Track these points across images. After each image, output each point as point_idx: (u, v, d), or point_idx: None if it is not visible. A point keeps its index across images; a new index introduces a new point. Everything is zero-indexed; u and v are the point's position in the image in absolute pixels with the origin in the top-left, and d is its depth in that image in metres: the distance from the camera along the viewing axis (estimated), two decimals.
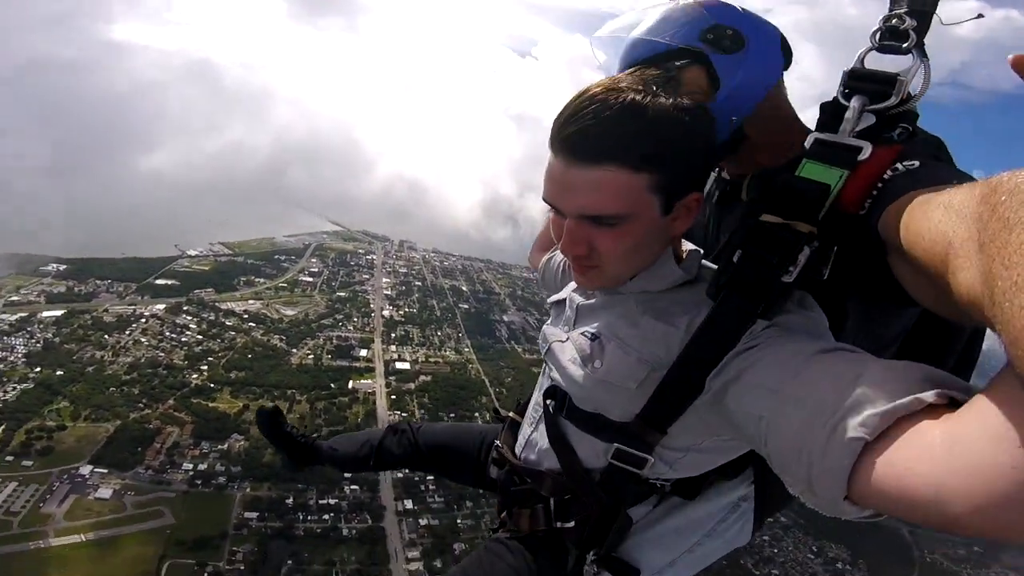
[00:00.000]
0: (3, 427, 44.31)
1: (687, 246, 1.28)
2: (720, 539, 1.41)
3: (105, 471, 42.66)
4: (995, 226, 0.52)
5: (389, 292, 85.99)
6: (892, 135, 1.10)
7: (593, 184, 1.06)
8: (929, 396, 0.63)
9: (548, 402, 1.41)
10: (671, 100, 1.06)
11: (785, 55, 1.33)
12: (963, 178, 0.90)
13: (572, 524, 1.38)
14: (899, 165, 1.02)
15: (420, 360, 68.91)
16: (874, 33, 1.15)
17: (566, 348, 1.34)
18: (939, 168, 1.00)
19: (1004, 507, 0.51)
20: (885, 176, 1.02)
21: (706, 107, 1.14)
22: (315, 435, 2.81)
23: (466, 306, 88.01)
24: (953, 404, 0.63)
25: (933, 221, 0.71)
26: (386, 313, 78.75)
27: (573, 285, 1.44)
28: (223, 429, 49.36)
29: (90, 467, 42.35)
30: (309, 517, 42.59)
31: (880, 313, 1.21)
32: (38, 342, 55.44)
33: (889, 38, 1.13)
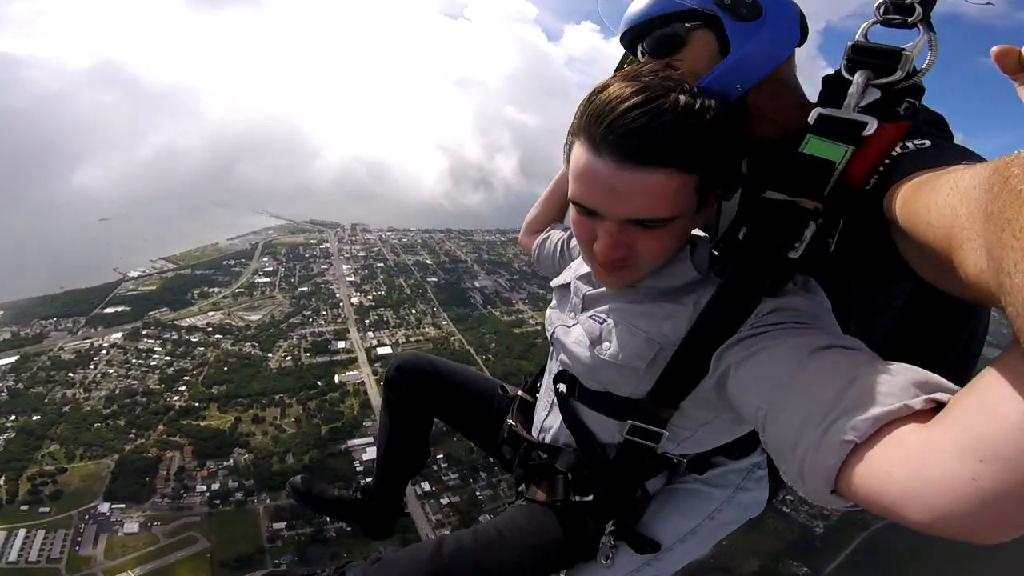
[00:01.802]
0: (3, 478, 43.81)
1: (695, 232, 1.31)
2: (739, 506, 1.51)
3: (123, 506, 42.81)
4: (1006, 197, 0.54)
5: (352, 278, 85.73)
6: (898, 111, 1.13)
7: (649, 188, 1.09)
8: (917, 403, 0.68)
9: (559, 386, 1.49)
10: (709, 101, 1.12)
11: (801, 31, 1.33)
12: (975, 159, 0.92)
13: (591, 498, 1.49)
14: (909, 143, 1.03)
15: (401, 342, 69.89)
16: (878, 6, 1.15)
17: (572, 332, 1.43)
18: (951, 148, 1.00)
19: (961, 516, 0.57)
20: (893, 153, 1.02)
21: (724, 101, 1.18)
22: (361, 482, 2.50)
23: (435, 279, 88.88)
24: (941, 408, 0.67)
25: (941, 195, 0.73)
26: (355, 300, 78.83)
27: (577, 272, 1.52)
28: (223, 445, 49.61)
29: (107, 504, 42.47)
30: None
31: (877, 292, 1.26)
32: (1, 391, 53.73)
33: (894, 11, 1.13)
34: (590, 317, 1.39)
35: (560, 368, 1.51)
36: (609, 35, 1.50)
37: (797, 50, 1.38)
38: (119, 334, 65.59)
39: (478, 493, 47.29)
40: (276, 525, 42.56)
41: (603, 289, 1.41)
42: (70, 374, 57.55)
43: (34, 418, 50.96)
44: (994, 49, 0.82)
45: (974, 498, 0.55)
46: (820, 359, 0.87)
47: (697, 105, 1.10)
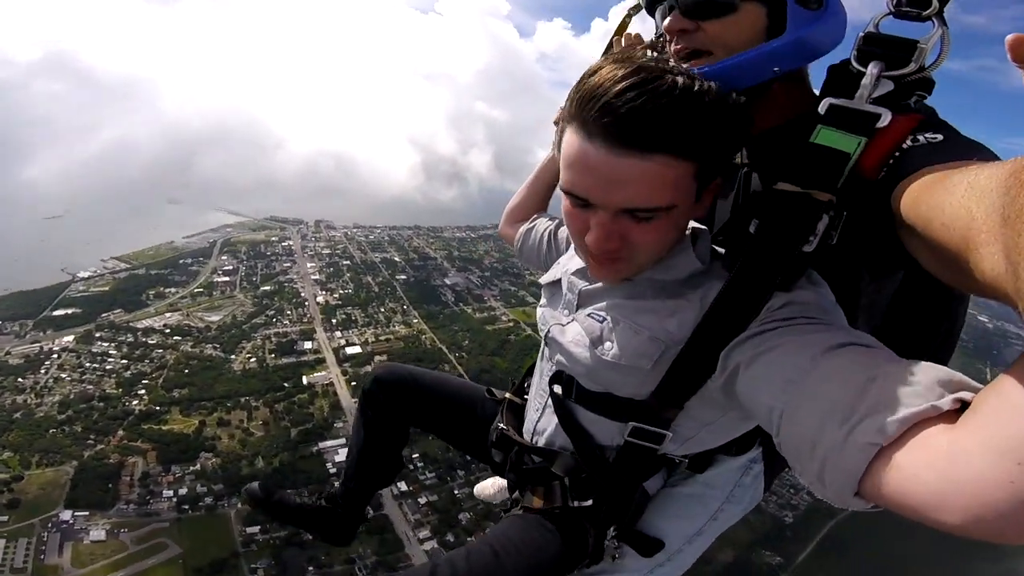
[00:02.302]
0: None
1: (693, 224, 1.29)
2: (739, 502, 1.52)
3: (87, 513, 41.35)
4: None
5: (317, 276, 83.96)
6: (908, 103, 1.12)
7: (645, 175, 1.05)
8: (945, 403, 0.67)
9: (555, 387, 1.44)
10: (709, 83, 1.08)
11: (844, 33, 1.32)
12: (987, 154, 0.93)
13: (590, 503, 1.45)
14: (920, 137, 1.03)
15: (370, 341, 69.11)
16: None
17: (568, 331, 1.38)
18: (963, 142, 1.01)
19: (998, 519, 0.56)
20: (904, 145, 1.03)
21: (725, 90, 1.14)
22: (328, 491, 2.42)
23: (404, 277, 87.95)
24: (965, 407, 0.66)
25: (956, 196, 0.72)
26: (320, 299, 77.29)
27: (569, 268, 1.47)
28: (188, 450, 48.27)
29: (70, 512, 41.00)
30: None
31: (882, 281, 1.27)
32: None
33: (908, 4, 1.11)
34: (588, 315, 1.34)
35: (556, 369, 1.46)
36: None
37: None
38: (70, 337, 62.55)
39: (456, 491, 47.20)
40: (250, 529, 41.70)
41: (600, 284, 1.36)
42: (19, 379, 54.68)
43: None
44: (1009, 38, 0.80)
45: (1012, 501, 0.55)
46: (836, 357, 0.85)
47: (696, 87, 1.06)
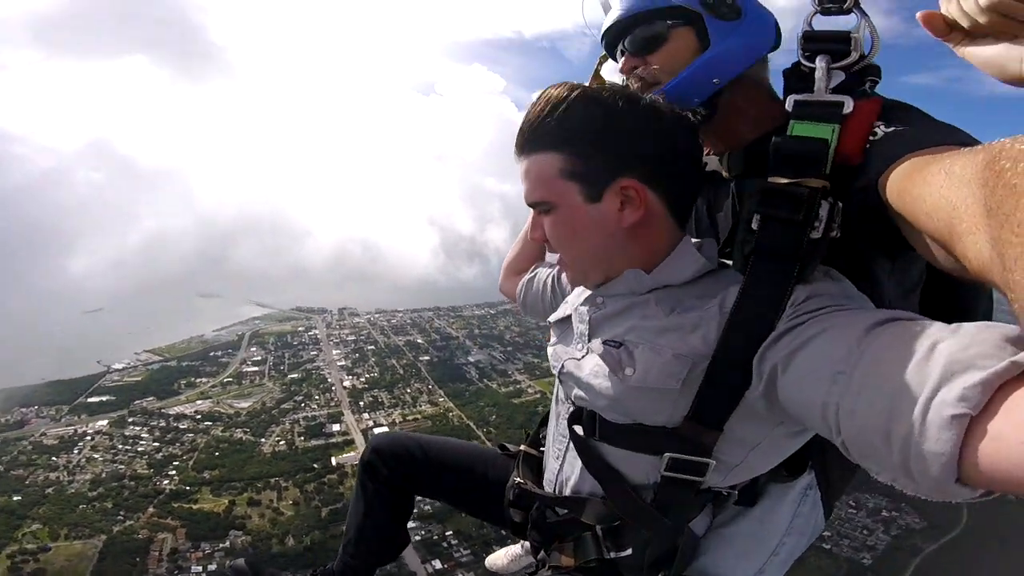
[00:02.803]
0: None
1: (694, 240, 1.29)
2: (801, 534, 1.40)
3: None
4: (1002, 192, 0.53)
5: (343, 362, 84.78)
6: (864, 89, 1.16)
7: (525, 172, 1.24)
8: None
9: (575, 428, 1.33)
10: (605, 88, 1.16)
11: (777, 37, 1.38)
12: (960, 135, 0.97)
13: (629, 552, 1.30)
14: (891, 125, 1.06)
15: (398, 421, 68.27)
16: None
17: (584, 363, 1.29)
18: (932, 128, 1.03)
19: None
20: (877, 133, 1.06)
21: (651, 95, 1.21)
22: (323, 566, 2.17)
23: (427, 357, 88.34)
24: None
25: (934, 186, 0.73)
26: (347, 384, 77.60)
27: (578, 300, 1.43)
28: (218, 527, 47.21)
29: None
30: None
31: (900, 266, 1.23)
32: None
33: (828, 0, 1.16)
34: (603, 343, 1.25)
35: (574, 407, 1.35)
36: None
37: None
38: (104, 421, 63.33)
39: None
40: None
41: (610, 308, 1.31)
42: (53, 458, 55.01)
43: (14, 498, 48.30)
44: (919, 15, 0.86)
45: None
46: (883, 334, 0.78)
47: (605, 95, 1.17)
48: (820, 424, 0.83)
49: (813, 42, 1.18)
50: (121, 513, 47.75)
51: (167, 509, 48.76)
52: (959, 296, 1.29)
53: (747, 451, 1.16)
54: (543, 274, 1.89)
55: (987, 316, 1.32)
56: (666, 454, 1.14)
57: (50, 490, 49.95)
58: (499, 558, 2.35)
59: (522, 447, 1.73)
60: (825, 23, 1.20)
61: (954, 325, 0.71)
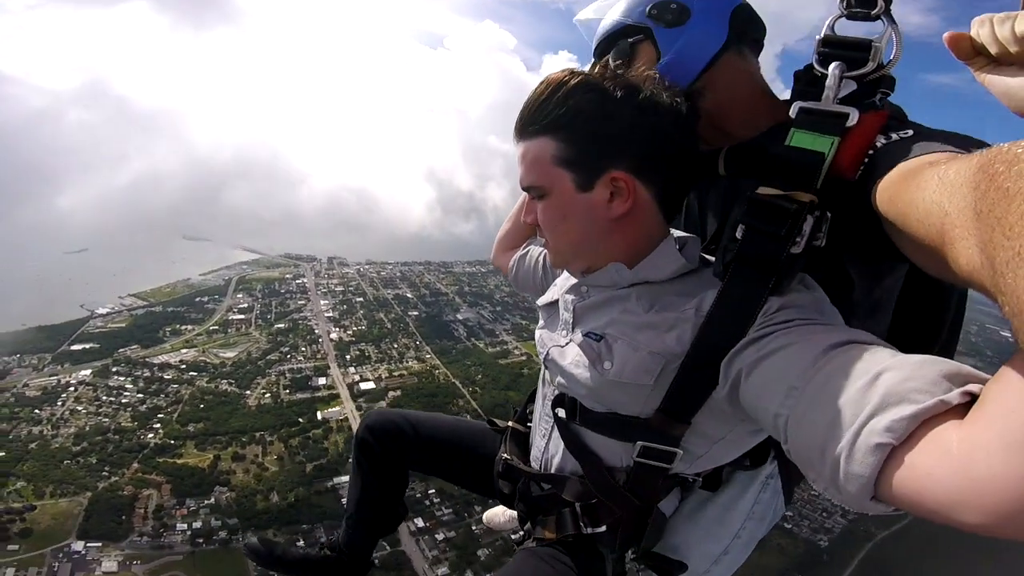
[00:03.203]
0: None
1: (679, 234, 1.32)
2: (761, 518, 1.50)
3: (99, 544, 40.64)
4: (994, 196, 0.54)
5: (331, 314, 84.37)
6: (874, 101, 1.15)
7: (521, 156, 1.29)
8: (953, 398, 0.65)
9: (558, 411, 1.42)
10: (603, 76, 1.19)
11: (737, 25, 1.39)
12: (959, 141, 0.98)
13: (604, 529, 1.41)
14: (893, 134, 1.08)
15: (384, 376, 68.77)
16: (842, 0, 1.18)
17: (567, 352, 1.36)
18: (934, 134, 1.03)
19: (1016, 516, 0.53)
20: (877, 144, 1.07)
21: (650, 86, 1.22)
22: (330, 538, 2.35)
23: (416, 312, 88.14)
24: (974, 400, 0.64)
25: (927, 191, 0.74)
26: (334, 336, 77.51)
27: (565, 287, 1.49)
28: (203, 484, 47.68)
29: (82, 543, 40.31)
30: None
31: (874, 273, 1.27)
32: None
33: (857, 5, 1.16)
34: (584, 335, 1.32)
35: (558, 392, 1.43)
36: (586, 63, 1.58)
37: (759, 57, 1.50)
38: (88, 371, 62.81)
39: (474, 528, 46.01)
40: None
41: (592, 299, 1.37)
42: (36, 411, 54.75)
43: None
44: (946, 36, 0.85)
45: None
46: (837, 357, 0.82)
47: (605, 84, 1.19)
48: (772, 430, 0.91)
49: (831, 46, 1.18)
50: (106, 469, 47.93)
51: (152, 464, 49.08)
52: (930, 307, 1.34)
53: (712, 444, 1.26)
54: (535, 252, 1.93)
55: (956, 327, 1.37)
56: (638, 442, 1.24)
57: (33, 445, 49.89)
58: (496, 515, 2.49)
59: (510, 423, 1.82)
60: (849, 28, 1.21)
61: (903, 357, 0.76)
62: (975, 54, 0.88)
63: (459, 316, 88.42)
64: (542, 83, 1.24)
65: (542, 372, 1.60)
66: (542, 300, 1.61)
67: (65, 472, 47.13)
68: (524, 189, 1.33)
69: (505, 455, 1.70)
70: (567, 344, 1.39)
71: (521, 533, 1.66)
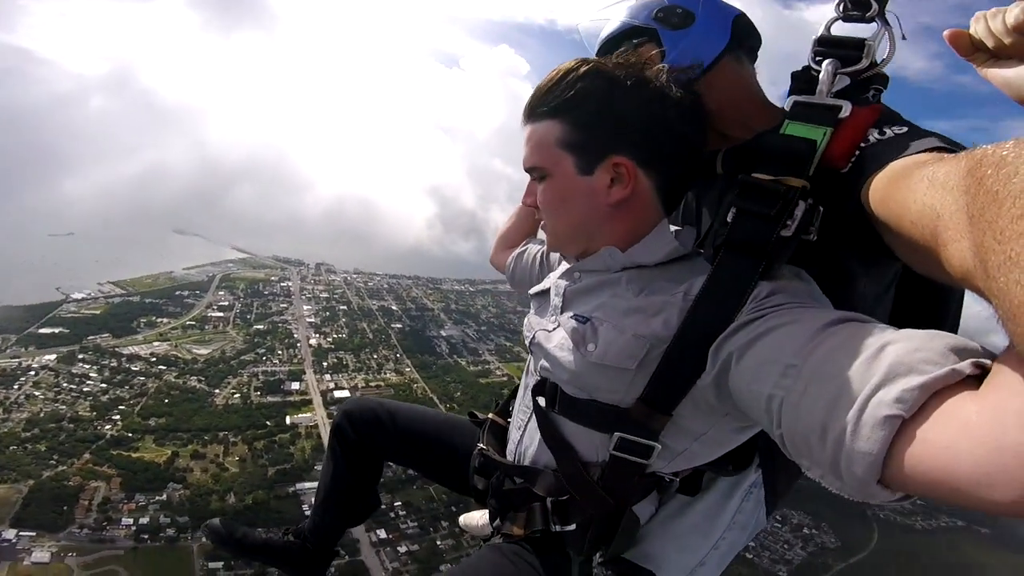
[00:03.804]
0: None
1: (675, 227, 1.33)
2: (742, 529, 1.47)
3: (32, 533, 39.10)
4: (984, 199, 0.54)
5: (313, 319, 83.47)
6: (867, 96, 1.19)
7: (527, 138, 1.30)
8: (965, 367, 0.61)
9: (538, 399, 1.40)
10: (614, 64, 1.22)
11: (737, 32, 1.45)
12: (947, 143, 0.99)
13: (573, 527, 1.36)
14: (887, 129, 1.10)
15: (360, 386, 67.75)
16: (838, 3, 1.24)
17: (553, 336, 1.35)
18: (924, 134, 1.04)
19: None
20: (870, 138, 1.10)
21: (661, 78, 1.23)
22: (296, 526, 2.26)
23: (399, 325, 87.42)
24: (985, 375, 0.61)
25: (918, 194, 0.74)
26: (313, 342, 76.49)
27: (557, 273, 1.50)
28: (156, 479, 46.35)
29: (14, 531, 38.69)
30: None
31: (869, 268, 1.28)
32: None
33: (852, 7, 1.21)
34: (571, 317, 1.30)
35: (540, 378, 1.40)
36: None
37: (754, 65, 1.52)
38: (52, 356, 61.42)
39: (439, 542, 45.48)
40: (212, 564, 39.71)
41: (583, 284, 1.37)
42: None
43: None
44: (946, 32, 0.87)
45: None
46: (837, 332, 0.79)
47: (616, 72, 1.21)
48: (763, 416, 0.86)
49: (826, 45, 1.23)
50: (54, 457, 46.47)
51: (104, 456, 47.63)
52: (929, 304, 1.33)
53: (692, 440, 1.22)
54: (533, 249, 1.91)
55: (955, 323, 1.35)
56: (616, 433, 1.21)
57: None
58: (473, 518, 2.34)
59: (490, 415, 1.78)
60: (846, 29, 1.25)
61: (906, 330, 0.73)
62: (974, 50, 0.90)
63: (443, 332, 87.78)
64: (554, 70, 1.26)
65: (528, 362, 1.56)
66: (535, 288, 1.57)
67: (9, 458, 45.68)
68: (527, 170, 1.34)
69: (482, 445, 1.66)
70: (554, 328, 1.37)
71: (490, 529, 1.60)
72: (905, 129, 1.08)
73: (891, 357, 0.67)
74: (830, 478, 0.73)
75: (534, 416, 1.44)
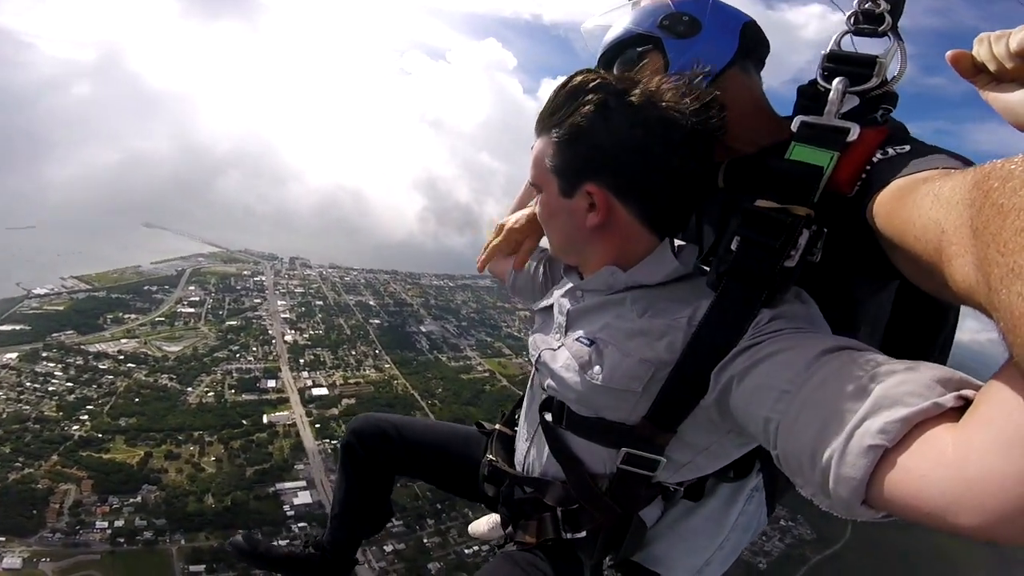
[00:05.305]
0: None
1: (677, 242, 1.34)
2: (745, 530, 1.53)
3: (2, 539, 37.18)
4: (989, 212, 0.54)
5: (288, 315, 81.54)
6: (875, 117, 1.17)
7: (532, 150, 1.34)
8: (947, 401, 0.66)
9: (545, 415, 1.43)
10: (616, 86, 1.21)
11: (746, 41, 1.43)
12: (953, 158, 1.00)
13: (583, 535, 1.41)
14: (889, 149, 1.09)
15: (339, 383, 66.59)
16: (849, 16, 1.21)
17: (559, 355, 1.37)
18: (927, 152, 1.04)
19: (1017, 516, 0.53)
20: (874, 159, 1.09)
21: (654, 103, 1.20)
22: (315, 538, 2.40)
23: (378, 321, 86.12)
24: (968, 405, 0.65)
25: (923, 209, 0.75)
26: (289, 338, 74.81)
27: (561, 291, 1.51)
28: (130, 481, 44.69)
29: None
30: None
31: (869, 288, 1.30)
32: None
33: (864, 21, 1.19)
34: (576, 339, 1.33)
35: (546, 395, 1.43)
36: None
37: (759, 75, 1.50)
38: (14, 354, 58.41)
39: (425, 540, 45.08)
40: (194, 568, 38.67)
41: (586, 303, 1.39)
42: None
43: None
44: (949, 54, 0.88)
45: None
46: (830, 361, 0.83)
47: (609, 98, 1.20)
48: (761, 436, 0.92)
49: (836, 62, 1.20)
50: (20, 460, 44.28)
51: (74, 458, 45.58)
52: (923, 325, 1.34)
53: (695, 454, 1.26)
54: (534, 258, 1.90)
55: (946, 346, 1.37)
56: (623, 448, 1.25)
57: None
58: (480, 525, 2.48)
59: (497, 426, 1.84)
60: (856, 44, 1.23)
61: (897, 362, 0.77)
62: (976, 72, 0.91)
63: (423, 328, 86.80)
64: (564, 83, 1.28)
65: (532, 376, 1.61)
66: (539, 304, 1.62)
67: None
68: (530, 183, 1.39)
69: (490, 456, 1.72)
70: (559, 348, 1.39)
71: (503, 536, 1.66)
72: (907, 148, 1.07)
73: (878, 390, 0.72)
74: (820, 497, 0.79)
75: (541, 430, 1.47)
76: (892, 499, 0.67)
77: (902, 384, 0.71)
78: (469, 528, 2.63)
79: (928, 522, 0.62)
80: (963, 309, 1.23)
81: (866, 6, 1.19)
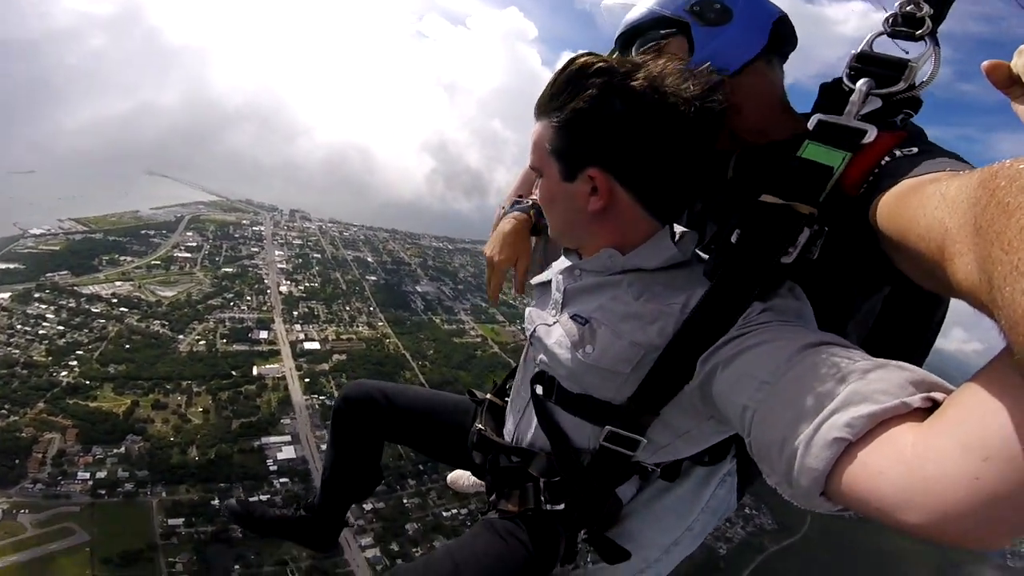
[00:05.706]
0: None
1: (680, 229, 1.34)
2: (713, 513, 1.58)
3: None
4: (993, 211, 0.54)
5: (284, 266, 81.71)
6: (895, 120, 1.16)
7: (532, 134, 1.32)
8: (915, 401, 0.67)
9: (536, 387, 1.47)
10: (619, 70, 1.18)
11: (777, 36, 1.39)
12: (960, 163, 0.98)
13: (562, 507, 1.46)
14: (897, 151, 1.08)
15: (331, 338, 67.14)
16: (887, 18, 1.20)
17: (553, 331, 1.40)
18: (937, 155, 1.03)
19: (961, 517, 0.55)
20: (883, 161, 1.08)
21: (657, 88, 1.16)
22: (306, 500, 2.46)
23: (374, 278, 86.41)
24: (936, 407, 0.67)
25: (928, 208, 0.75)
26: (284, 289, 75.20)
27: (559, 268, 1.52)
28: (115, 431, 45.33)
29: None
30: None
31: (865, 289, 1.30)
32: None
33: (903, 24, 1.17)
34: (571, 317, 1.35)
35: (538, 369, 1.46)
36: None
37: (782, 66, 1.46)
38: (6, 294, 58.87)
39: (405, 501, 46.01)
40: (172, 521, 39.42)
41: (584, 282, 1.40)
42: None
43: None
44: (984, 64, 0.87)
45: (976, 497, 0.54)
46: (810, 356, 0.85)
47: (615, 81, 1.16)
48: (737, 422, 0.94)
49: (865, 63, 1.19)
50: (5, 407, 44.86)
51: (60, 406, 46.21)
52: (908, 327, 1.37)
53: (675, 437, 1.29)
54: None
55: (927, 348, 1.40)
56: (607, 426, 1.28)
57: None
58: (461, 477, 2.59)
59: (488, 395, 1.86)
60: (888, 46, 1.21)
61: (875, 361, 0.79)
62: (1011, 83, 0.87)
63: (419, 288, 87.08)
64: (564, 66, 1.24)
65: (525, 348, 1.62)
66: (537, 278, 1.63)
67: None
68: (531, 167, 1.38)
69: (480, 426, 1.74)
70: (554, 324, 1.41)
71: (486, 503, 1.70)
72: (915, 150, 1.06)
73: (852, 386, 0.74)
74: (783, 486, 0.81)
75: (532, 402, 1.50)
76: (849, 491, 0.68)
77: (875, 382, 0.72)
78: (448, 478, 2.76)
79: (878, 517, 0.64)
80: (948, 317, 1.34)
81: (908, 9, 1.17)
